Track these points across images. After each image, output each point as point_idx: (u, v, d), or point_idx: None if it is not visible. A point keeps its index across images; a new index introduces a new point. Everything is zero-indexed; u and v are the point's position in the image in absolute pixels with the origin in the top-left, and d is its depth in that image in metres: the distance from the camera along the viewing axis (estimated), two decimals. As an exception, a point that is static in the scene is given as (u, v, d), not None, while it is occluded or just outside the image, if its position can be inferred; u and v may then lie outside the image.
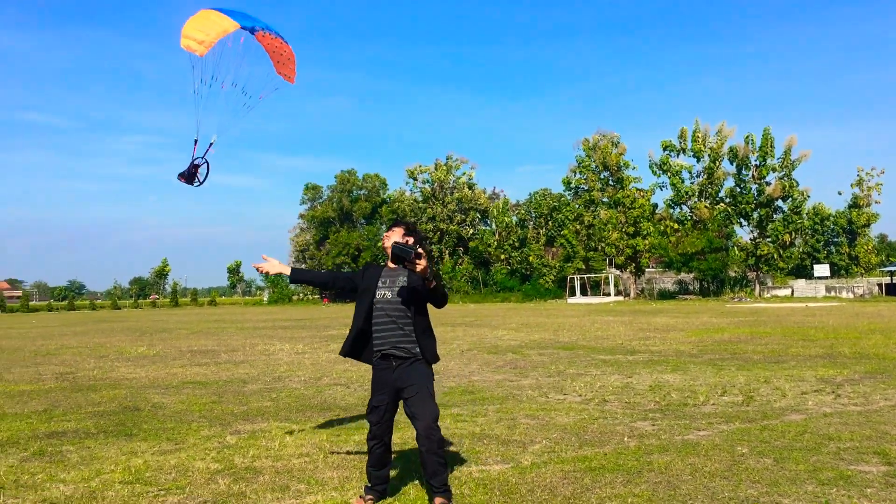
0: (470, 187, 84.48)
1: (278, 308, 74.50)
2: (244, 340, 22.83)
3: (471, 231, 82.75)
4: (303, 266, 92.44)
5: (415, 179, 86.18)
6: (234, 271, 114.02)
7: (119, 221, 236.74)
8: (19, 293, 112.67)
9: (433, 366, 5.33)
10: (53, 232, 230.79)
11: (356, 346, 5.40)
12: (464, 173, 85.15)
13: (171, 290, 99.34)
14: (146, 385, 12.29)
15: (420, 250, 4.83)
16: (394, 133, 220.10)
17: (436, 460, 5.00)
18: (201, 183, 7.74)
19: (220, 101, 6.79)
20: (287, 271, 5.53)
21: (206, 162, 7.70)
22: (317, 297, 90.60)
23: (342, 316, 39.12)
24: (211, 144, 7.57)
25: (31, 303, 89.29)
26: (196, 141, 7.29)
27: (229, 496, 5.50)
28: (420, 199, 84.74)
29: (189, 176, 7.74)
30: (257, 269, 5.59)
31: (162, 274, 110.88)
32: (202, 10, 7.12)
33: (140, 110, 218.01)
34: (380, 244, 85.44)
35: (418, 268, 4.86)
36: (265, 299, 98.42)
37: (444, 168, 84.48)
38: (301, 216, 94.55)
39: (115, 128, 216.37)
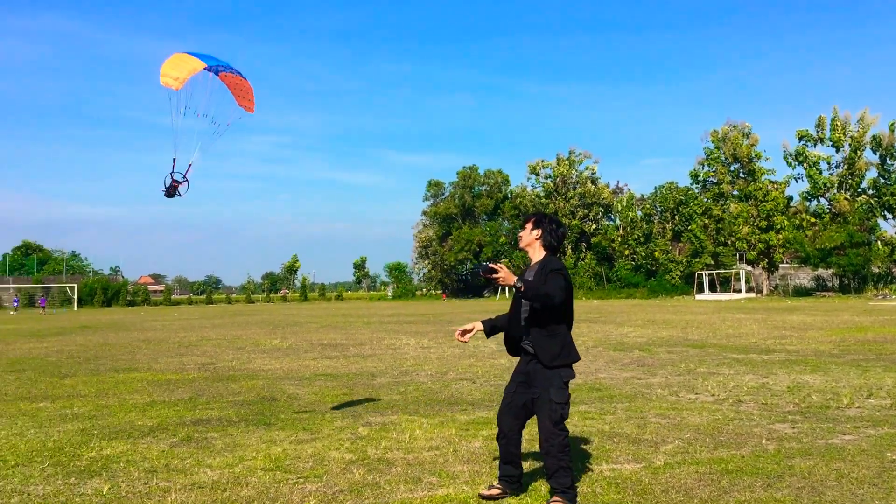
0: (593, 181, 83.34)
1: (402, 303, 75.94)
2: (371, 335, 23.39)
3: (594, 226, 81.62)
4: (426, 260, 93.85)
5: (537, 174, 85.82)
6: (360, 267, 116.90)
7: (252, 218, 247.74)
8: (162, 287, 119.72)
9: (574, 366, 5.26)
10: (192, 229, 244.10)
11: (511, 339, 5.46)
12: (587, 167, 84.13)
13: (300, 285, 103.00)
14: (281, 376, 12.80)
15: (491, 265, 4.88)
16: (515, 128, 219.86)
17: (555, 462, 4.96)
18: (181, 196, 8.77)
19: (195, 127, 8.13)
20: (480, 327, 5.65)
21: (187, 180, 8.73)
22: (438, 291, 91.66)
23: (464, 311, 39.44)
24: (190, 165, 8.68)
25: (172, 296, 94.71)
26: (174, 160, 8.34)
27: (364, 486, 5.65)
28: (542, 194, 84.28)
29: (170, 190, 8.72)
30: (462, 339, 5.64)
31: (292, 269, 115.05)
32: (175, 53, 8.25)
33: (269, 112, 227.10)
34: (501, 240, 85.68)
35: (499, 280, 4.88)
36: (389, 294, 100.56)
37: (567, 162, 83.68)
38: (424, 213, 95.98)
39: (247, 129, 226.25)
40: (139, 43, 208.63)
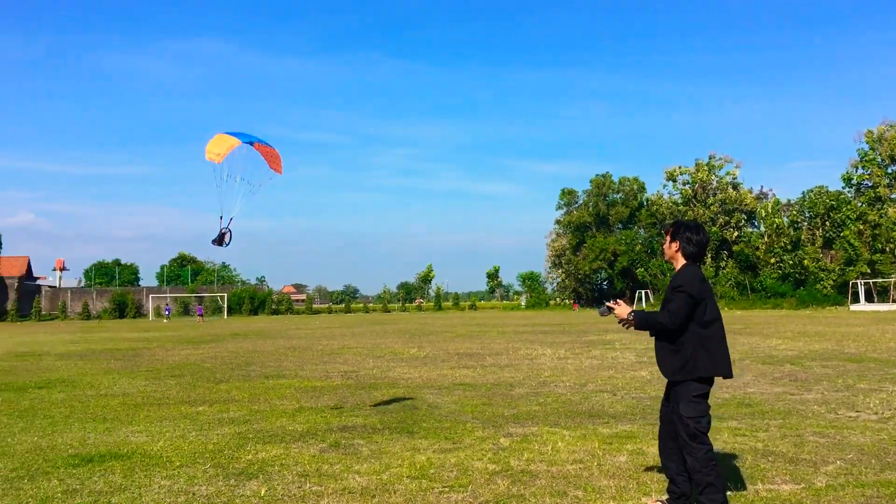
0: (734, 187, 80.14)
1: (535, 312, 75.56)
2: (506, 344, 23.40)
3: (735, 233, 78.38)
4: (560, 269, 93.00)
5: (674, 181, 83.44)
6: (493, 276, 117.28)
7: (387, 230, 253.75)
8: (304, 297, 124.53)
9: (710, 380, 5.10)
10: (331, 240, 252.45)
11: None
12: (727, 172, 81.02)
13: (434, 295, 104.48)
14: (421, 385, 13.01)
15: (610, 304, 5.26)
16: (650, 133, 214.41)
17: (702, 478, 4.88)
18: (227, 245, 10.50)
19: (236, 189, 10.04)
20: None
21: (230, 231, 10.44)
22: (570, 301, 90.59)
23: (599, 322, 38.74)
24: (231, 219, 10.36)
25: (313, 306, 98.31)
26: (221, 217, 10.27)
27: (509, 498, 5.65)
28: (680, 201, 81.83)
29: (219, 240, 10.43)
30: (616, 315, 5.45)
31: (426, 279, 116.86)
32: (218, 134, 10.05)
33: (403, 125, 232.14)
34: (637, 248, 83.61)
35: (618, 319, 5.16)
36: (523, 304, 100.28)
37: (706, 168, 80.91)
38: (557, 221, 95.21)
39: (382, 142, 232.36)
40: (279, 62, 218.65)
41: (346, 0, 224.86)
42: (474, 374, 14.83)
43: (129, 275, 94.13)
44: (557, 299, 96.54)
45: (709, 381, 5.06)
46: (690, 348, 5.00)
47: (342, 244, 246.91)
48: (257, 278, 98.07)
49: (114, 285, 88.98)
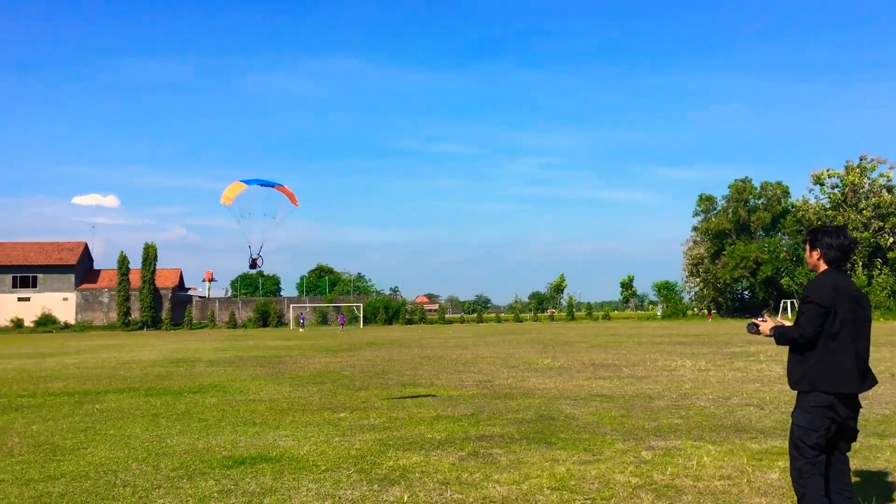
0: (889, 190, 75.13)
1: (671, 323, 73.38)
2: (643, 355, 22.84)
3: (890, 240, 73.37)
4: (697, 278, 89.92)
5: (821, 185, 79.14)
6: (627, 286, 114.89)
7: (518, 239, 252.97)
8: (436, 307, 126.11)
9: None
10: (463, 250, 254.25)
11: None
12: (881, 174, 76.10)
13: (566, 304, 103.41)
14: (556, 396, 12.88)
15: (756, 321, 5.27)
16: (794, 136, 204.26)
17: (795, 487, 4.88)
18: (260, 268, 13.92)
19: (258, 224, 13.05)
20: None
21: (261, 257, 13.55)
22: (705, 311, 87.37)
23: (741, 333, 37.13)
24: (261, 246, 13.46)
25: (446, 315, 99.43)
26: (250, 247, 13.36)
27: (654, 513, 5.49)
28: (828, 206, 77.52)
29: (252, 264, 13.45)
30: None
31: (559, 288, 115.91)
32: (235, 182, 12.83)
33: (534, 133, 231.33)
34: (782, 256, 79.56)
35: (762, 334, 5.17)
36: (658, 314, 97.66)
37: (857, 170, 76.28)
38: (694, 229, 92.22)
39: (513, 151, 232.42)
40: (411, 76, 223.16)
41: (474, 12, 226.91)
42: (611, 385, 14.54)
43: (272, 285, 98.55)
44: (695, 309, 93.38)
45: (835, 395, 4.71)
46: (814, 359, 4.79)
47: (474, 254, 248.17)
48: (391, 288, 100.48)
49: (257, 295, 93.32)
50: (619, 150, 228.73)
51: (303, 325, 75.37)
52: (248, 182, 13.09)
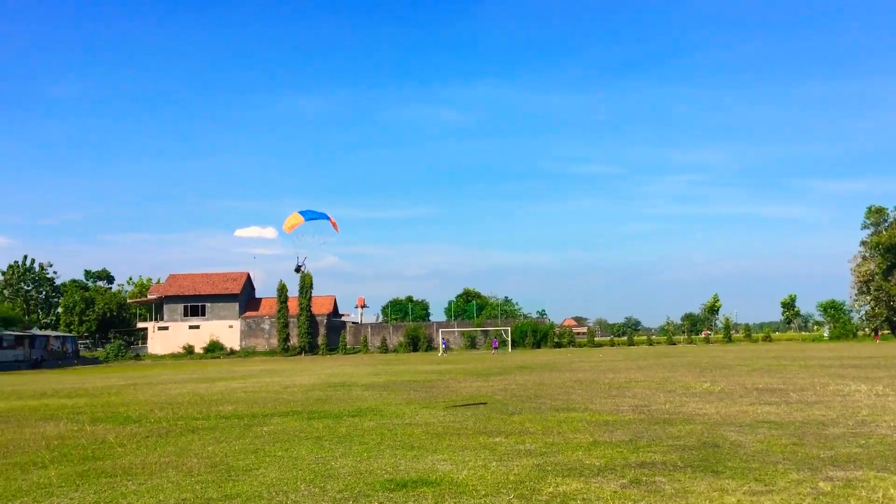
0: None
1: (840, 344, 68.76)
2: (812, 379, 21.49)
3: None
4: (868, 296, 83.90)
5: None
6: (789, 305, 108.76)
7: (668, 259, 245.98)
8: (584, 329, 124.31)
9: None
10: (610, 272, 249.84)
11: None
12: None
13: (722, 326, 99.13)
14: (719, 422, 12.32)
15: None
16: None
17: None
18: (304, 272, 30.33)
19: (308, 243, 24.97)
20: None
21: (305, 265, 34.60)
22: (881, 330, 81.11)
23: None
24: (305, 258, 32.91)
25: (595, 338, 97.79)
26: (297, 256, 32.01)
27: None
28: None
29: (297, 269, 31.56)
30: None
31: (713, 309, 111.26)
32: (294, 212, 29.80)
33: (680, 150, 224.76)
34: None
35: None
36: (825, 335, 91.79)
37: None
38: (863, 243, 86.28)
39: (658, 169, 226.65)
40: (553, 98, 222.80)
41: (612, 32, 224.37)
42: (779, 410, 13.76)
43: (421, 310, 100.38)
44: (866, 329, 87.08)
45: None
46: None
47: (622, 275, 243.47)
48: (538, 311, 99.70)
49: (407, 320, 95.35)
50: (772, 164, 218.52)
51: (445, 350, 76.25)
52: (304, 213, 21.37)
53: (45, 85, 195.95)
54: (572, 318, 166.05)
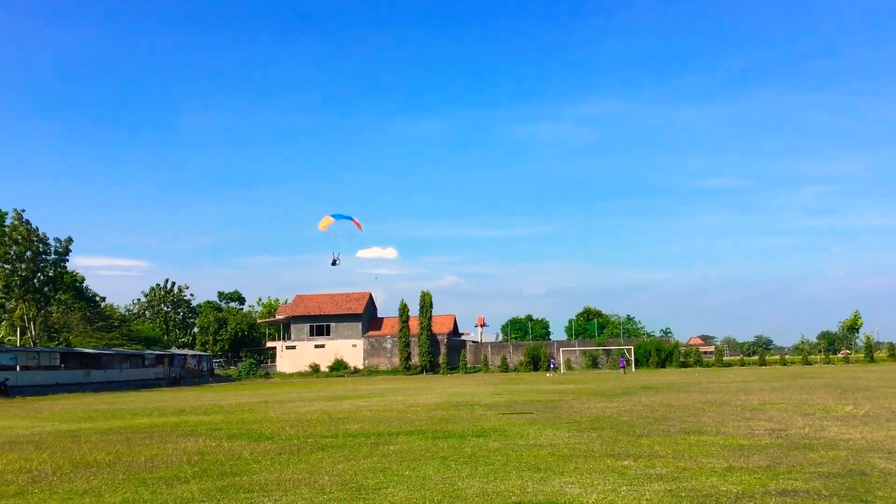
0: None
1: None
2: (968, 403, 19.92)
3: None
4: None
5: None
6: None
7: (801, 275, 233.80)
8: (711, 348, 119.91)
9: None
10: (739, 289, 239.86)
11: None
12: None
13: (863, 345, 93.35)
14: (865, 448, 11.60)
15: None
16: None
17: None
18: (337, 264, 44.52)
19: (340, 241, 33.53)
20: None
21: (339, 259, 45.92)
22: None
23: None
24: (339, 253, 44.67)
25: (723, 358, 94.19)
26: (333, 252, 43.83)
27: None
28: None
29: (333, 262, 44.29)
30: None
31: (853, 327, 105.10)
32: (326, 216, 43.30)
33: (814, 160, 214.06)
34: None
35: None
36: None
37: None
38: None
39: (790, 181, 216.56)
40: (676, 112, 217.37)
41: (731, 40, 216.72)
42: (932, 437, 12.81)
43: (541, 329, 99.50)
44: None
45: None
46: None
47: (751, 292, 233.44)
48: (662, 330, 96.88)
49: (527, 339, 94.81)
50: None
51: (553, 370, 75.38)
52: (334, 216, 35.13)
53: (181, 115, 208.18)
54: (698, 336, 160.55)
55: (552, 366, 76.82)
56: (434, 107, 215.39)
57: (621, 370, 69.74)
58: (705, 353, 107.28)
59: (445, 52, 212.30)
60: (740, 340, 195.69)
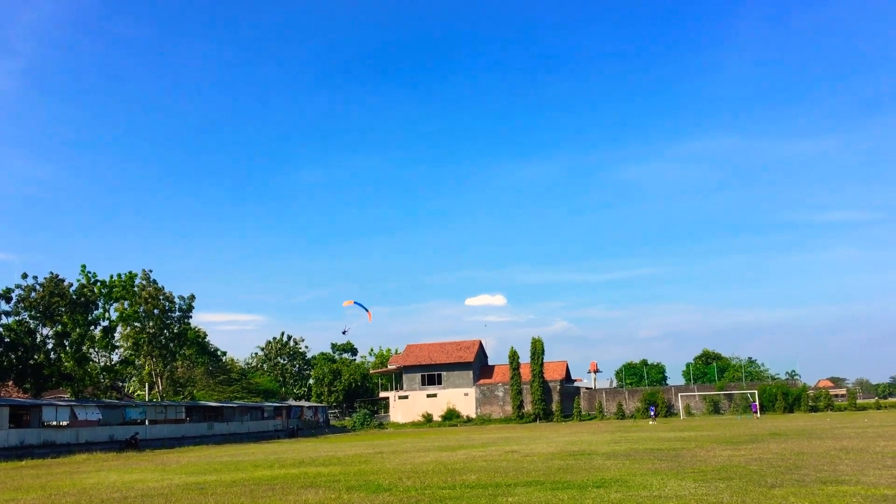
0: None
1: None
2: None
3: None
4: None
5: None
6: None
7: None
8: (843, 391, 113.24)
9: None
10: (872, 328, 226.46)
11: None
12: None
13: None
14: None
15: None
16: None
17: None
18: (346, 333, 63.21)
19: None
20: None
21: (348, 330, 64.65)
22: None
23: None
24: (349, 327, 60.87)
25: (857, 401, 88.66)
26: (345, 324, 58.12)
27: None
28: None
29: (343, 332, 62.10)
30: None
31: None
32: (347, 300, 63.92)
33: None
34: None
35: None
36: None
37: None
38: None
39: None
40: (791, 145, 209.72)
41: (841, 71, 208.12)
42: None
43: (657, 374, 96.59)
44: None
45: None
46: None
47: (885, 331, 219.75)
48: (787, 372, 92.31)
49: (643, 384, 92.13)
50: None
51: (653, 417, 72.76)
52: (356, 302, 60.32)
53: (292, 171, 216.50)
54: (828, 378, 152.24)
55: (652, 413, 74.38)
56: (537, 150, 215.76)
57: (755, 414, 66.90)
58: (836, 396, 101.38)
59: (546, 95, 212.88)
60: (874, 382, 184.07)
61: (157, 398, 67.00)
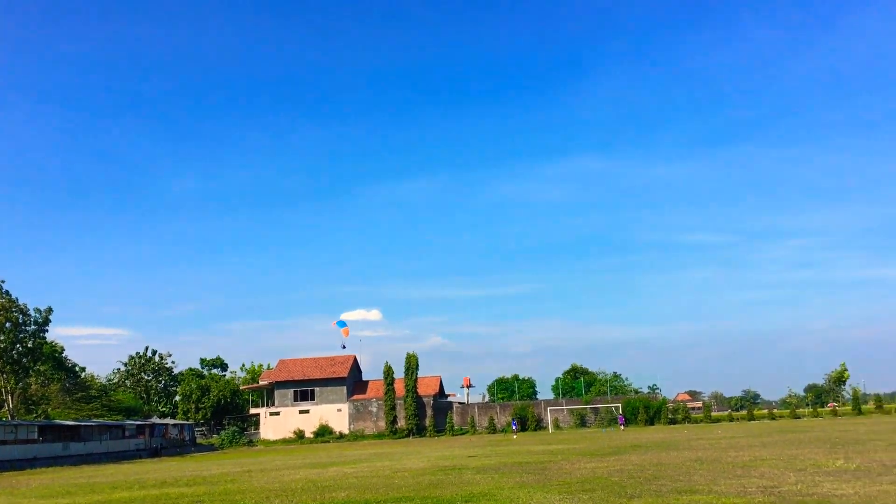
0: None
1: None
2: (958, 454, 19.80)
3: None
4: None
5: None
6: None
7: (785, 327, 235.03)
8: (699, 404, 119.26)
9: None
10: (724, 344, 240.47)
11: None
12: None
13: (850, 397, 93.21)
14: (860, 503, 11.44)
15: None
16: None
17: None
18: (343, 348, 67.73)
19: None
20: None
21: (344, 347, 72.18)
22: None
23: None
24: (343, 345, 71.12)
25: (711, 413, 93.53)
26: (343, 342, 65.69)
27: None
28: None
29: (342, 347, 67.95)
30: None
31: (840, 380, 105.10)
32: (335, 321, 66.89)
33: (792, 214, 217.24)
34: None
35: None
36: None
37: None
38: None
39: (771, 235, 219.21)
40: (653, 169, 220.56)
41: (709, 100, 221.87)
42: (925, 490, 12.67)
43: (528, 388, 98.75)
44: None
45: None
46: None
47: (737, 347, 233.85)
48: (649, 386, 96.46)
49: (514, 399, 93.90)
50: (893, 224, 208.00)
51: (515, 431, 75.07)
52: (338, 322, 72.69)
53: (162, 180, 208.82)
54: (686, 392, 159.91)
55: (514, 427, 76.34)
56: (416, 170, 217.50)
57: (621, 427, 69.33)
58: (693, 408, 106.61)
59: (424, 119, 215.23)
60: (728, 395, 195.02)
61: (6, 417, 62.65)
